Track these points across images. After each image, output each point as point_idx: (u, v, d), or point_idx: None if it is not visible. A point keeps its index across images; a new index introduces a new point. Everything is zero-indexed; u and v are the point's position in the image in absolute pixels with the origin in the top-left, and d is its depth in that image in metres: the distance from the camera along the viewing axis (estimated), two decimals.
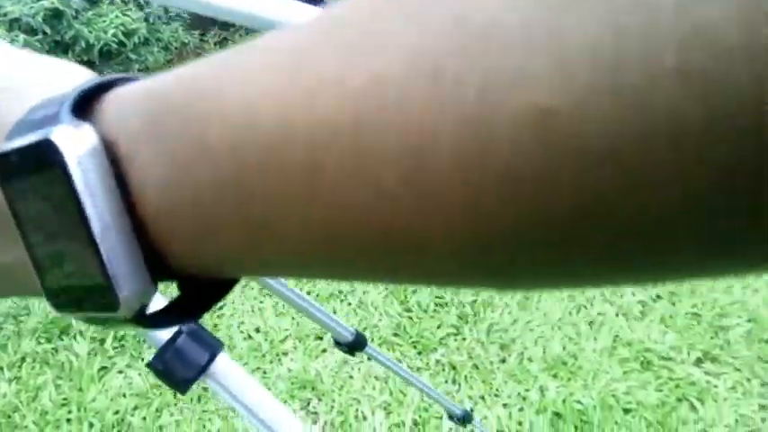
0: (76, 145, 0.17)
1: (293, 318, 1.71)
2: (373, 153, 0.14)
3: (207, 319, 1.70)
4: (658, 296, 1.75)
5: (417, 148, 0.13)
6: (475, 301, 1.72)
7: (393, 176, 0.14)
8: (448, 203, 0.14)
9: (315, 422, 1.46)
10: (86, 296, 0.19)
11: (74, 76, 0.21)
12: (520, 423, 1.43)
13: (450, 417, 1.10)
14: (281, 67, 0.15)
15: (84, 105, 0.18)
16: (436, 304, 1.73)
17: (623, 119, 0.11)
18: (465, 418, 1.08)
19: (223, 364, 0.57)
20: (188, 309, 0.20)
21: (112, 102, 0.18)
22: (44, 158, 0.17)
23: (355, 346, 0.89)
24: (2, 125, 0.19)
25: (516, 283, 0.16)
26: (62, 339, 1.66)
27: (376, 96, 0.14)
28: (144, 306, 0.18)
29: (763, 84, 0.10)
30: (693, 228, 0.12)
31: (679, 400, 1.46)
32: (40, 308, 1.73)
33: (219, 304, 1.75)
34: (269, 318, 1.70)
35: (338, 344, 0.90)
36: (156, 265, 0.18)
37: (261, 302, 1.77)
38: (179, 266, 0.18)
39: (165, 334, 0.56)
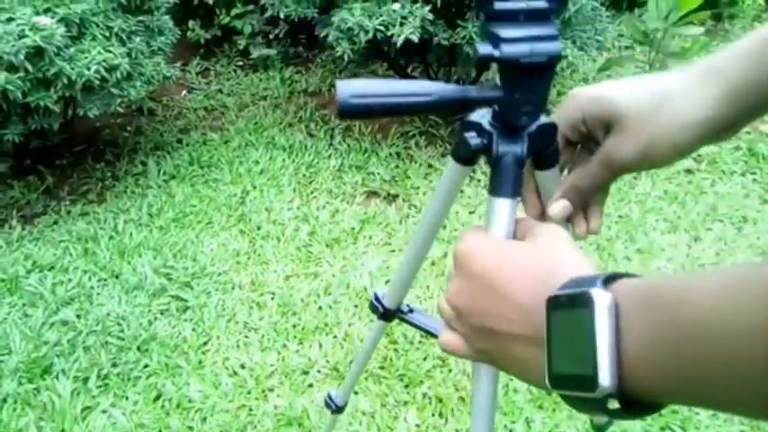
0: (602, 300, 0.31)
1: (279, 352, 1.70)
2: None
3: (191, 356, 1.69)
4: None
5: None
6: None
7: None
8: None
9: None
10: (576, 381, 0.32)
11: (566, 263, 0.38)
12: None
13: None
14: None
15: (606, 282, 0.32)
16: (422, 335, 1.73)
17: None
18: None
19: None
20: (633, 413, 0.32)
21: (621, 282, 0.32)
22: (581, 301, 0.31)
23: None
24: (545, 286, 0.35)
25: None
26: (44, 379, 1.64)
27: None
28: (607, 398, 0.31)
29: None
30: None
31: (662, 428, 1.48)
32: (21, 347, 1.71)
33: (204, 340, 1.74)
34: (254, 353, 1.70)
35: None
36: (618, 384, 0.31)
37: (246, 337, 1.76)
38: (631, 390, 0.30)
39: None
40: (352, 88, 0.44)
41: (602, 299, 0.31)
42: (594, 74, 3.16)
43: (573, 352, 0.32)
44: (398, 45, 2.12)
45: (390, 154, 2.60)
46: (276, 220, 2.24)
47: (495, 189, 0.48)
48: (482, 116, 0.50)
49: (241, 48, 3.34)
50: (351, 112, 0.44)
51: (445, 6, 2.22)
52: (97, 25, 2.04)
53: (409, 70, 2.87)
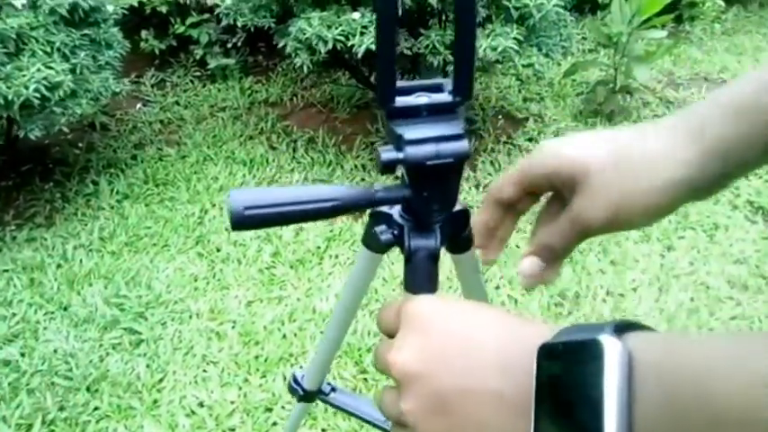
0: (614, 349, 0.24)
1: (240, 387, 1.60)
2: None
3: (145, 396, 1.58)
4: None
5: None
6: None
7: None
8: None
9: None
10: None
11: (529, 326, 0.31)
12: None
13: None
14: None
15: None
16: None
17: None
18: None
19: None
20: None
21: (635, 336, 0.25)
22: (588, 352, 0.25)
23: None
24: (527, 334, 0.30)
25: None
26: None
27: None
28: None
29: None
30: None
31: None
32: None
33: (159, 377, 1.63)
34: (213, 389, 1.59)
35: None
36: None
37: (204, 371, 1.65)
38: None
39: None
40: (246, 199, 0.40)
41: (613, 350, 0.24)
42: (560, 78, 3.12)
43: (569, 418, 0.25)
44: (359, 56, 2.04)
45: (356, 166, 2.52)
46: (237, 241, 2.13)
47: (411, 287, 0.48)
48: (392, 207, 0.49)
49: (198, 58, 3.22)
50: (246, 224, 0.40)
51: (407, 15, 2.14)
52: (37, 40, 1.91)
53: (372, 79, 2.78)
